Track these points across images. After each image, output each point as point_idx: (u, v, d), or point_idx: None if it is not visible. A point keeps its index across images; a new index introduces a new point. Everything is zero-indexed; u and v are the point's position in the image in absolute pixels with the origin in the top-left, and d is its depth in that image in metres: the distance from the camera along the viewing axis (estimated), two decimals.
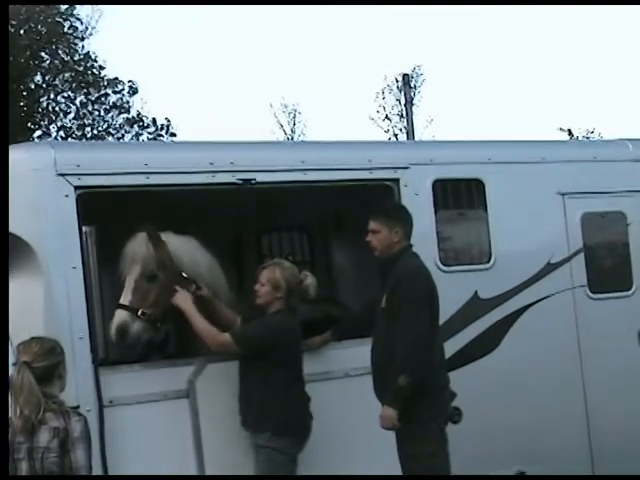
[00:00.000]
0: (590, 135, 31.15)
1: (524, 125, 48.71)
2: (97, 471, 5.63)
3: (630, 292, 7.70)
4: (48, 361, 4.81)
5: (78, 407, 4.89)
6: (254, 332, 6.05)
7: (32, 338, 4.95)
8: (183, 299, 6.01)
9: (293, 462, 5.94)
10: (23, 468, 4.69)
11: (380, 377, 5.99)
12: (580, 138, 29.43)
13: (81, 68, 27.36)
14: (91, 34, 27.49)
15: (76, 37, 27.37)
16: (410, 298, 5.85)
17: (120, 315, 5.96)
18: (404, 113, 33.52)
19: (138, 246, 6.11)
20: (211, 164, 6.21)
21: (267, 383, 5.92)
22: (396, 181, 6.77)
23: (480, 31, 57.95)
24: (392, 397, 5.80)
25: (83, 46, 27.53)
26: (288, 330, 6.06)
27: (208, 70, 58.82)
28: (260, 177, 6.36)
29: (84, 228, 5.81)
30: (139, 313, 5.98)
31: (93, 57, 27.56)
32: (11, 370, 4.86)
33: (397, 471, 6.04)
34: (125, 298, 6.02)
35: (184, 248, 6.29)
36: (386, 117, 37.78)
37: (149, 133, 28.86)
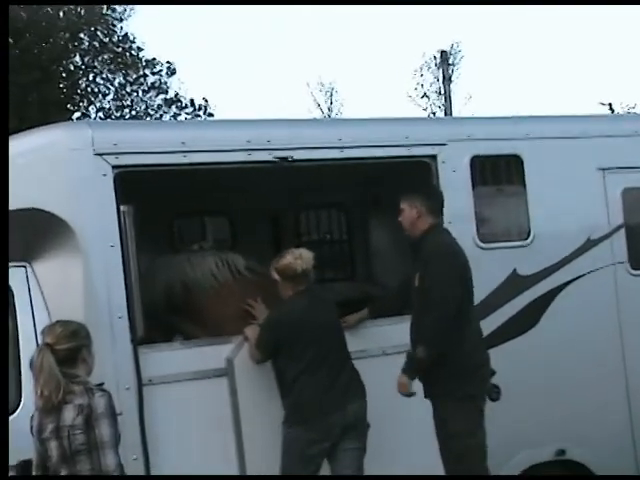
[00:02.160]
0: (632, 110, 30.74)
1: (564, 101, 48.20)
2: (136, 449, 5.72)
3: None
4: (71, 344, 4.84)
5: (102, 384, 4.91)
6: (257, 340, 6.09)
7: (57, 321, 5.00)
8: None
9: (313, 447, 5.93)
10: (52, 446, 4.74)
11: None
12: (622, 112, 29.03)
13: (119, 49, 27.42)
14: (130, 15, 27.56)
15: (114, 18, 27.44)
16: (439, 279, 5.89)
17: None
18: (442, 90, 33.24)
19: None
20: (248, 142, 6.19)
21: (277, 374, 6.07)
22: (433, 158, 6.72)
23: (519, 7, 57.30)
24: (407, 366, 5.94)
25: (122, 27, 27.60)
26: (285, 324, 6.07)
27: (245, 50, 58.78)
28: (297, 155, 6.34)
29: (122, 207, 5.82)
30: None
31: (132, 38, 27.64)
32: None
33: (434, 449, 6.04)
34: None
35: None
36: (424, 95, 37.59)
37: (187, 114, 28.89)
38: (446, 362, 5.92)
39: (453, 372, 5.92)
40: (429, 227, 6.16)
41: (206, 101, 28.94)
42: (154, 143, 6.01)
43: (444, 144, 6.77)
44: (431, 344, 5.88)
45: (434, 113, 36.50)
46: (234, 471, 6.01)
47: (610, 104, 30.59)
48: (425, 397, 6.12)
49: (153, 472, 5.81)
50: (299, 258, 6.09)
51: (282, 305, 6.21)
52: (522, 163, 7.01)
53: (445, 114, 31.49)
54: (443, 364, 5.91)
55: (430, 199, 6.25)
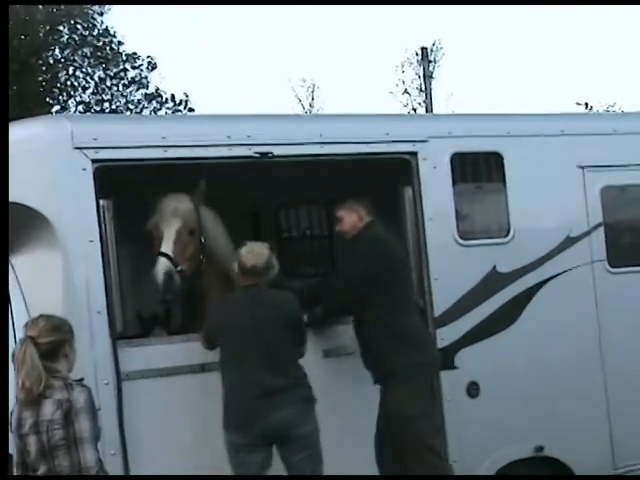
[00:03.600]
0: (610, 108, 30.86)
1: (543, 99, 48.36)
2: (114, 442, 5.70)
3: None
4: (53, 337, 4.82)
5: (82, 380, 4.89)
6: (203, 328, 6.06)
7: (41, 315, 4.97)
8: None
9: (240, 454, 5.76)
10: (30, 441, 4.72)
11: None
12: (601, 111, 29.16)
13: (100, 43, 27.29)
14: (110, 9, 27.42)
15: (95, 12, 27.29)
16: (348, 272, 6.48)
17: (164, 262, 6.08)
18: (423, 87, 33.26)
19: (180, 202, 6.31)
20: (228, 137, 6.18)
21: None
22: (414, 154, 6.73)
23: (499, 6, 57.46)
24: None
25: (102, 21, 27.48)
26: (215, 316, 6.00)
27: (228, 46, 58.65)
28: (277, 150, 6.33)
29: (101, 201, 5.80)
30: (178, 269, 6.13)
31: (112, 32, 27.51)
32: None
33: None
34: (167, 247, 6.14)
35: (210, 220, 6.52)
36: (405, 91, 37.58)
37: (167, 108, 28.77)
38: (382, 343, 6.21)
39: (390, 351, 6.18)
40: (365, 224, 6.47)
41: (187, 96, 28.83)
42: (134, 137, 6.00)
43: (425, 141, 6.78)
44: (325, 305, 6.35)
45: (414, 110, 36.53)
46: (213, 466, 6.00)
47: (586, 103, 30.74)
48: (375, 383, 6.25)
49: (132, 467, 5.80)
50: (250, 252, 5.93)
51: (226, 297, 6.18)
52: (502, 160, 7.02)
53: (426, 111, 31.52)
54: (380, 346, 6.21)
55: (365, 200, 6.53)
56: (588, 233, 7.31)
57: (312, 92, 40.72)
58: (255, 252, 5.92)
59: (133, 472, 5.82)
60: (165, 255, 6.08)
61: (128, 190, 6.23)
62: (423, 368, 6.31)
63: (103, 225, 5.80)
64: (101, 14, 27.39)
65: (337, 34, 59.34)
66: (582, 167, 7.31)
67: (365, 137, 6.64)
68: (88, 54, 27.32)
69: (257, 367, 5.73)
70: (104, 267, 5.80)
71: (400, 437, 6.19)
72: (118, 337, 5.90)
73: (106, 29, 27.50)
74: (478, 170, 7.10)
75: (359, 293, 6.28)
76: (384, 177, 6.79)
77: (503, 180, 7.03)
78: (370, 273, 6.26)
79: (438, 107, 32.53)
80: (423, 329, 6.52)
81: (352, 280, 6.33)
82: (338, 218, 6.59)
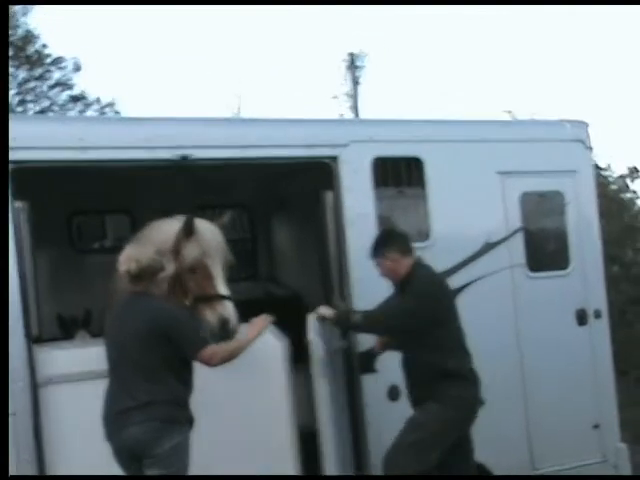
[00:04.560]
0: (534, 116, 31.33)
1: (470, 106, 48.87)
2: (29, 448, 5.60)
3: (567, 271, 7.77)
4: None
5: None
6: None
7: None
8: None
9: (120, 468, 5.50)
10: None
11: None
12: (524, 119, 29.55)
13: (22, 44, 26.85)
14: (33, 9, 27.00)
15: (18, 12, 26.87)
16: (401, 307, 6.23)
17: (230, 306, 5.79)
18: (351, 93, 33.39)
19: (218, 235, 5.99)
20: (147, 139, 6.13)
21: None
22: (335, 159, 6.75)
23: (425, 14, 58.01)
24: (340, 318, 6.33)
25: (26, 22, 27.05)
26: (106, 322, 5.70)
27: (160, 50, 58.14)
28: (197, 153, 6.29)
29: (17, 203, 5.70)
30: None
31: (36, 34, 27.09)
32: None
33: None
34: (224, 289, 5.84)
35: None
36: (335, 97, 37.64)
37: (93, 111, 28.44)
38: (425, 368, 6.13)
39: (433, 376, 6.12)
40: (408, 270, 6.27)
41: (113, 99, 28.50)
42: (52, 139, 5.89)
43: (346, 145, 6.80)
44: (367, 321, 6.21)
45: (342, 115, 36.64)
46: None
47: (510, 112, 31.16)
48: (413, 406, 6.21)
49: (49, 473, 5.72)
50: (125, 257, 5.46)
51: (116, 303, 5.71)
52: (423, 165, 7.09)
53: (354, 116, 31.65)
54: (424, 371, 6.14)
55: (394, 243, 6.32)
56: (507, 238, 7.41)
57: (239, 99, 40.57)
58: (131, 256, 5.43)
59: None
60: (228, 298, 5.81)
61: (45, 192, 6.14)
62: (469, 402, 6.30)
63: (18, 227, 5.70)
64: (25, 14, 26.96)
65: (264, 39, 59.26)
66: (502, 173, 7.41)
67: (286, 141, 6.64)
68: (11, 55, 26.85)
69: (122, 381, 5.39)
70: (19, 269, 5.70)
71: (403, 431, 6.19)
72: (35, 340, 5.81)
73: (29, 31, 27.06)
74: (399, 175, 7.14)
75: (406, 327, 6.19)
76: (306, 181, 6.80)
77: (423, 185, 7.09)
78: (420, 312, 6.14)
79: (365, 112, 32.71)
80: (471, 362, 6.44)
81: (402, 313, 6.20)
82: (377, 265, 6.40)
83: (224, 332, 5.78)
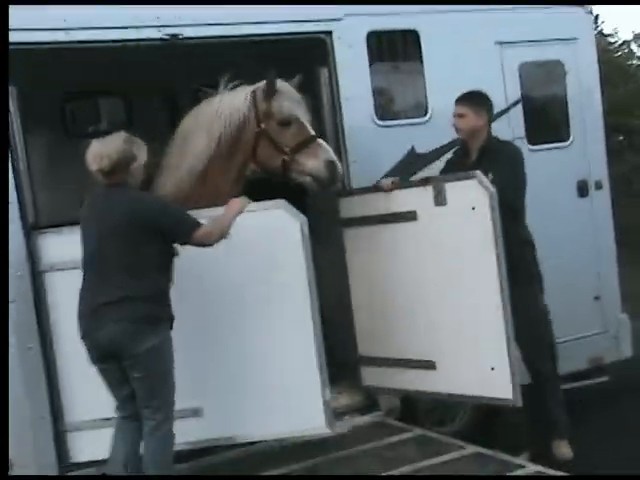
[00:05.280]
0: None
1: None
2: (32, 336, 5.65)
3: (568, 143, 7.68)
4: None
5: None
6: None
7: None
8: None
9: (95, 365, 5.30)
10: None
11: None
12: None
13: None
14: None
15: None
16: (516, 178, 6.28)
17: (330, 149, 6.13)
18: None
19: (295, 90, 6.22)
20: (135, 19, 5.95)
21: None
22: (329, 34, 6.59)
23: None
24: None
25: None
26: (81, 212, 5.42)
27: None
28: (187, 32, 6.14)
29: None
30: None
31: None
32: None
33: None
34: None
35: None
36: None
37: None
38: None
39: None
40: (490, 134, 6.48)
41: None
42: (33, 20, 5.68)
43: (340, 19, 6.63)
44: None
45: None
46: None
47: None
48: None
49: (59, 360, 5.77)
50: (93, 155, 5.20)
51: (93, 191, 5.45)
52: (419, 38, 6.93)
53: None
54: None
55: (491, 108, 6.53)
56: (507, 111, 7.29)
57: None
58: (101, 153, 5.14)
59: (60, 365, 5.78)
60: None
61: (36, 77, 6.02)
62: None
63: (9, 113, 5.60)
64: None
65: None
66: (500, 43, 7.25)
67: (279, 16, 6.45)
68: None
69: (99, 276, 5.16)
70: (12, 155, 5.63)
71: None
72: (32, 227, 5.78)
73: None
74: (395, 49, 7.00)
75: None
76: (300, 58, 6.65)
77: (420, 58, 6.95)
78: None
79: None
80: None
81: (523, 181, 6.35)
82: (461, 114, 6.44)
83: (332, 175, 6.02)
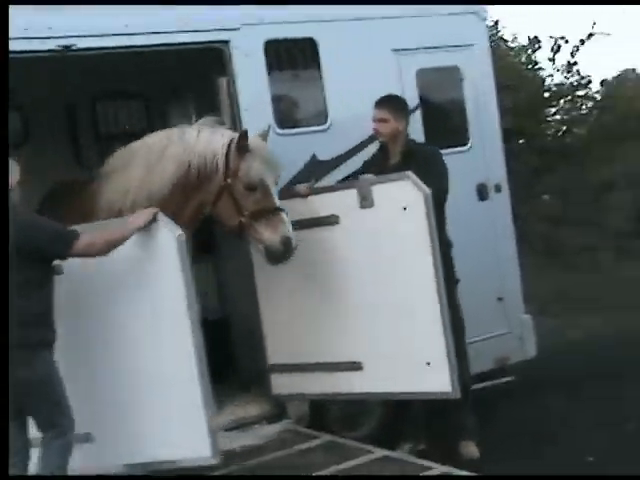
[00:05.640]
0: None
1: None
2: None
3: (467, 147, 7.78)
4: None
5: None
6: None
7: None
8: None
9: None
10: None
11: None
12: None
13: None
14: None
15: None
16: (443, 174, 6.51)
17: (289, 222, 5.88)
18: None
19: (268, 149, 6.00)
20: (26, 30, 5.82)
21: None
22: (226, 43, 6.57)
23: None
24: None
25: None
26: None
27: None
28: (81, 43, 6.04)
29: None
30: None
31: None
32: None
33: None
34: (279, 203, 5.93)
35: None
36: None
37: None
38: None
39: None
40: (408, 138, 6.69)
41: None
42: None
43: (237, 28, 6.62)
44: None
45: None
46: None
47: None
48: None
49: None
50: None
51: None
52: (316, 46, 6.95)
53: None
54: None
55: (409, 114, 6.73)
56: None
57: None
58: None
59: None
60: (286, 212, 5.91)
61: None
62: None
63: None
64: None
65: None
66: (397, 50, 7.32)
67: (174, 27, 6.40)
68: None
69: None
70: None
71: None
72: None
73: None
74: (293, 57, 7.00)
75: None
76: (199, 67, 6.62)
77: (318, 66, 6.97)
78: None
79: None
80: None
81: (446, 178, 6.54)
82: (383, 118, 6.55)
83: (286, 252, 5.81)
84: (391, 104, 6.61)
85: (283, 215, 5.86)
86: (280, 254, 5.85)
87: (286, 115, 7.03)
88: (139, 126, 8.38)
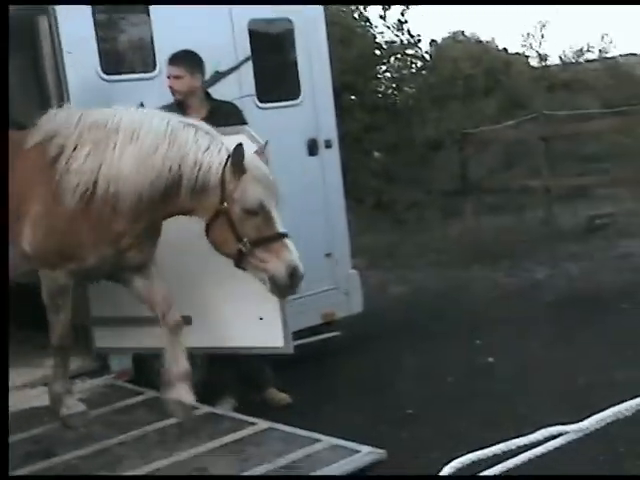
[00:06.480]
0: None
1: None
2: None
3: (298, 101, 7.73)
4: None
5: None
6: None
7: None
8: None
9: None
10: None
11: None
12: None
13: None
14: None
15: None
16: None
17: (295, 249, 5.26)
18: None
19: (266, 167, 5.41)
20: None
21: None
22: None
23: None
24: None
25: None
26: None
27: None
28: None
29: None
30: None
31: None
32: None
33: None
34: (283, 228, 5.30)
35: None
36: None
37: None
38: None
39: None
40: (208, 94, 6.55)
41: None
42: None
43: None
44: None
45: None
46: None
47: None
48: None
49: None
50: None
51: None
52: None
53: None
54: None
55: (204, 67, 6.48)
56: (237, 67, 7.21)
57: None
58: None
59: None
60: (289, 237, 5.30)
61: None
62: None
63: None
64: None
65: None
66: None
67: None
68: None
69: None
70: None
71: None
72: None
73: None
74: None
75: None
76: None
77: (147, 11, 6.76)
78: None
79: None
80: None
81: None
82: (177, 75, 6.31)
83: (293, 283, 5.25)
84: (186, 60, 6.35)
85: (287, 241, 5.29)
86: (286, 285, 5.28)
87: (112, 61, 6.75)
88: None
